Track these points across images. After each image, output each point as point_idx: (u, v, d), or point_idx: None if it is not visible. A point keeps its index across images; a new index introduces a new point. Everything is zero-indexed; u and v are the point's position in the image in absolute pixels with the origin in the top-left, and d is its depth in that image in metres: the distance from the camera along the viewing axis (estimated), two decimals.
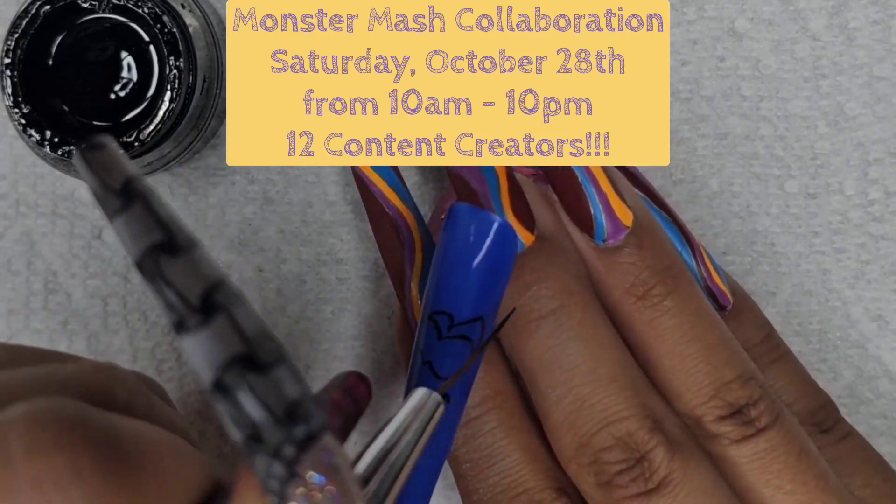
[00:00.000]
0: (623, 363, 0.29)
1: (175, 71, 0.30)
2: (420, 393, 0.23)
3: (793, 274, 0.35)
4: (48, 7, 0.30)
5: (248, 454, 0.16)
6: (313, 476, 0.16)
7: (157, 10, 0.30)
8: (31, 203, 0.34)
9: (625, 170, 0.31)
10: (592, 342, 0.29)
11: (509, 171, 0.30)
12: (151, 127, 0.30)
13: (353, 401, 0.22)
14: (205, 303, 0.17)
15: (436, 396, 0.23)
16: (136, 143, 0.30)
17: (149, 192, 0.17)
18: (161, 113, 0.30)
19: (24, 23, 0.30)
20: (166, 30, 0.30)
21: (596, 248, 0.30)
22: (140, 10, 0.30)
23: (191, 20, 0.31)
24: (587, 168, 0.30)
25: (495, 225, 0.28)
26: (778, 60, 0.35)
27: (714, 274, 0.32)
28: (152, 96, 0.31)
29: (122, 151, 0.18)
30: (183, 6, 0.31)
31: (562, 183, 0.30)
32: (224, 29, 0.34)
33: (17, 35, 0.30)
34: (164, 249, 0.17)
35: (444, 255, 0.28)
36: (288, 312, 0.35)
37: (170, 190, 0.34)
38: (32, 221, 0.34)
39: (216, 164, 0.34)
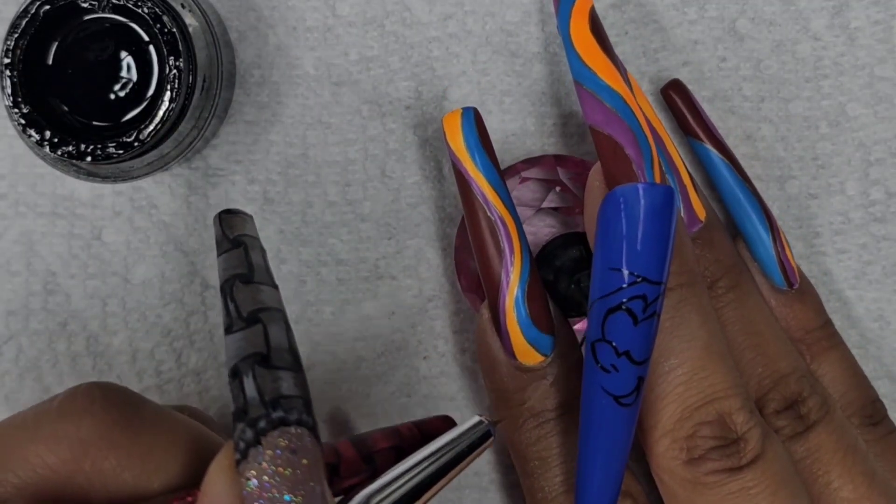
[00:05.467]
0: (728, 346, 0.30)
1: (175, 71, 0.30)
2: (474, 419, 0.26)
3: None
4: (48, 7, 0.30)
5: (234, 422, 0.20)
6: (282, 447, 0.20)
7: (157, 10, 0.30)
8: (30, 203, 0.34)
9: (710, 133, 0.33)
10: (711, 320, 0.29)
11: (656, 146, 0.30)
12: (151, 127, 0.30)
13: (365, 460, 0.25)
14: (251, 316, 0.22)
15: (486, 426, 0.25)
16: (136, 143, 0.30)
17: (251, 245, 0.24)
18: (161, 113, 0.30)
19: (23, 23, 0.30)
20: (166, 30, 0.30)
21: None
22: (140, 10, 0.30)
23: (191, 20, 0.31)
24: (671, 159, 0.31)
25: (653, 191, 0.26)
26: (779, 61, 0.35)
27: (788, 250, 0.33)
28: (152, 96, 0.31)
29: (252, 222, 0.25)
30: (183, 6, 0.31)
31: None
32: (224, 29, 0.34)
33: (16, 35, 0.30)
34: (241, 279, 0.23)
35: (613, 240, 0.26)
36: (288, 313, 0.35)
37: (170, 190, 0.34)
38: (32, 222, 0.34)
39: (216, 164, 0.34)
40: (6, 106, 0.30)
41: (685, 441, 0.28)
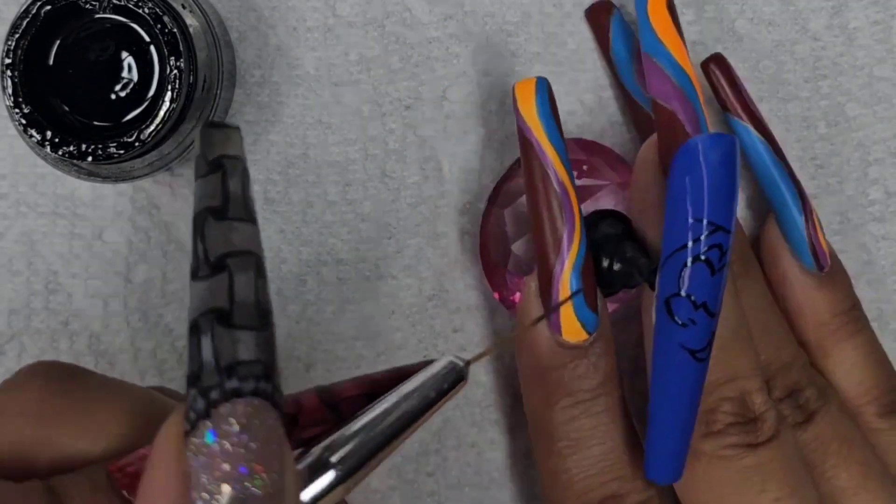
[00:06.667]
0: (751, 330, 0.30)
1: (175, 71, 0.30)
2: (446, 360, 0.23)
3: None
4: (49, 7, 0.30)
5: (187, 386, 0.19)
6: (232, 423, 0.18)
7: (158, 10, 0.30)
8: (31, 203, 0.34)
9: (749, 111, 0.33)
10: (738, 303, 0.29)
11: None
12: (152, 127, 0.30)
13: (330, 410, 0.23)
14: (218, 262, 0.19)
15: (461, 368, 0.23)
16: (137, 144, 0.30)
17: (231, 169, 0.20)
18: (162, 113, 0.30)
19: (24, 23, 0.30)
20: (167, 30, 0.30)
21: None
22: (141, 11, 0.30)
23: (191, 20, 0.31)
24: None
25: (724, 140, 0.26)
26: (778, 61, 0.35)
27: (820, 233, 0.33)
28: (153, 96, 0.31)
29: (237, 137, 0.21)
30: (183, 6, 0.31)
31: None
32: (225, 29, 0.34)
33: (17, 35, 0.30)
34: (213, 213, 0.20)
35: (692, 191, 0.26)
36: (288, 312, 0.35)
37: (171, 190, 0.34)
38: (33, 221, 0.34)
39: None
40: (7, 106, 0.30)
41: (705, 415, 0.29)
